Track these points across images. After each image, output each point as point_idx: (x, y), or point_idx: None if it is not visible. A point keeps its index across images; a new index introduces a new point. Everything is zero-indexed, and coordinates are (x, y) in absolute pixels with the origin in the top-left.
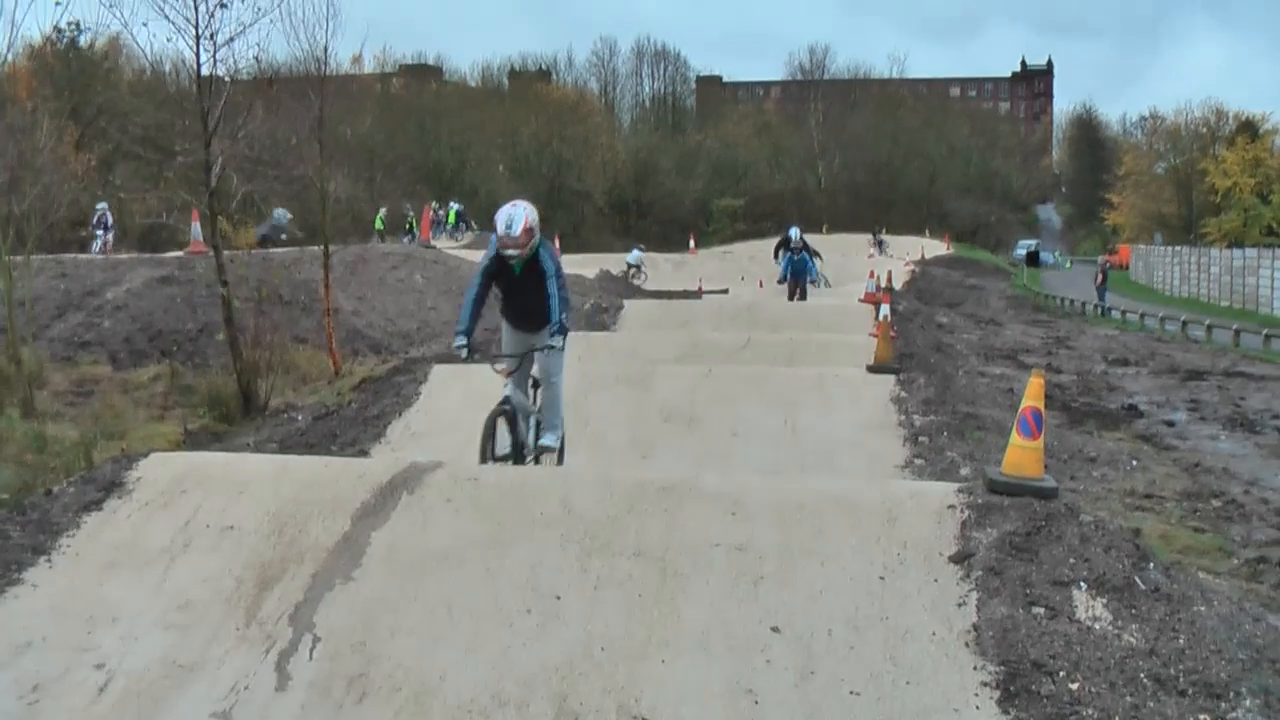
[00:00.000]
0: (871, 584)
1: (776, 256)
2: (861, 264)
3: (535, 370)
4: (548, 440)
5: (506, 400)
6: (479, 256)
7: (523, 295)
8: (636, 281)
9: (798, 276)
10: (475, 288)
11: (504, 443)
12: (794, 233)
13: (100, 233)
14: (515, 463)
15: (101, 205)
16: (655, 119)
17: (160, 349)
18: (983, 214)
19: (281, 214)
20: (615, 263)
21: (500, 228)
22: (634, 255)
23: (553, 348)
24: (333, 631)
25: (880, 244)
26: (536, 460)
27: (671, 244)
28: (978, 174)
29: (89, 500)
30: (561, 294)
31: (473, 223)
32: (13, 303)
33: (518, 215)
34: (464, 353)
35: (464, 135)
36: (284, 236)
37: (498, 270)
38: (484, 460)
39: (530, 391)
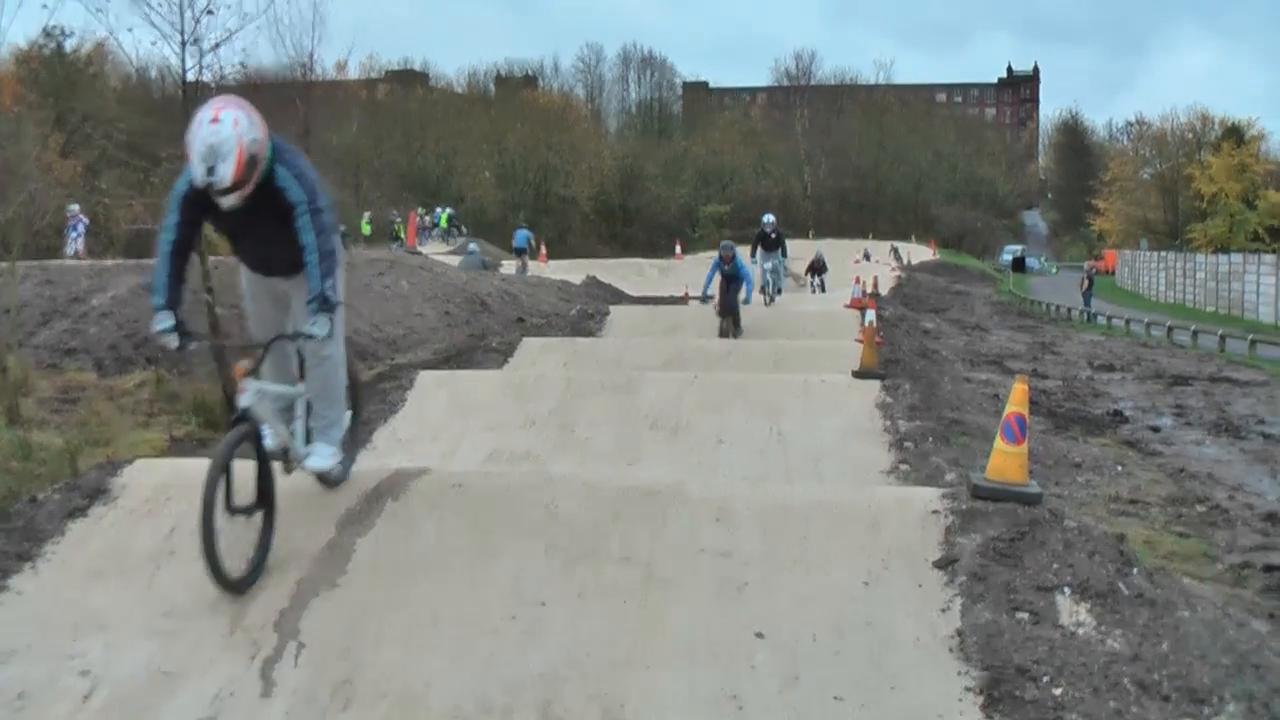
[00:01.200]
0: (856, 590)
1: (754, 255)
2: (849, 270)
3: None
4: (318, 459)
5: (245, 416)
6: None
7: (256, 237)
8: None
9: (729, 282)
10: (170, 230)
11: (245, 492)
12: (768, 219)
13: (73, 235)
14: (265, 515)
15: (74, 207)
16: (642, 125)
17: (146, 356)
18: (969, 220)
19: (475, 248)
20: (604, 269)
21: (197, 168)
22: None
23: (311, 337)
24: (318, 639)
25: (895, 253)
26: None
27: (658, 250)
28: (964, 180)
29: (74, 507)
30: (322, 243)
31: (464, 227)
32: None
33: (224, 143)
34: (172, 341)
35: (450, 142)
36: (486, 265)
37: (205, 202)
38: (209, 536)
39: (296, 369)
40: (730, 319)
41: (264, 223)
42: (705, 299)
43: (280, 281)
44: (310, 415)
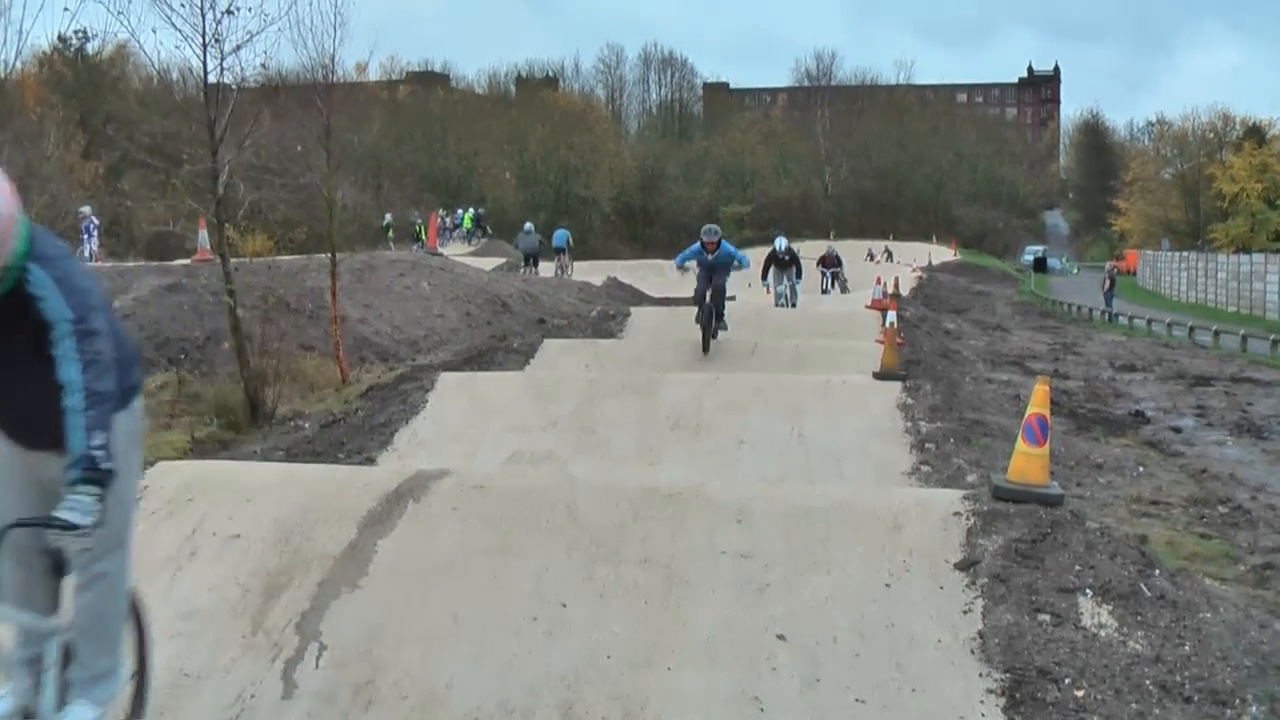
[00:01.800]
0: (877, 591)
1: (765, 278)
2: (868, 270)
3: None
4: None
5: None
6: (488, 264)
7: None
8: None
9: (711, 270)
10: None
11: None
12: (780, 243)
13: (86, 238)
14: None
15: (85, 209)
16: (662, 126)
17: (167, 357)
18: (990, 220)
19: (530, 227)
20: (624, 270)
21: None
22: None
23: (71, 527)
24: (339, 640)
25: (888, 254)
26: None
27: (678, 251)
28: (985, 180)
29: None
30: (91, 380)
31: (488, 228)
32: None
33: None
34: None
35: (471, 143)
36: (541, 245)
37: None
38: None
39: (52, 590)
40: (708, 310)
41: (11, 353)
42: (680, 267)
43: (47, 461)
44: (71, 663)
